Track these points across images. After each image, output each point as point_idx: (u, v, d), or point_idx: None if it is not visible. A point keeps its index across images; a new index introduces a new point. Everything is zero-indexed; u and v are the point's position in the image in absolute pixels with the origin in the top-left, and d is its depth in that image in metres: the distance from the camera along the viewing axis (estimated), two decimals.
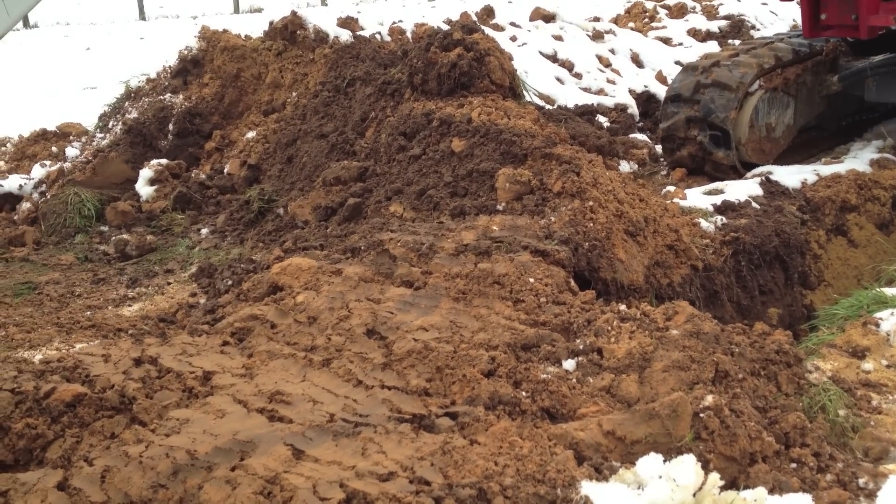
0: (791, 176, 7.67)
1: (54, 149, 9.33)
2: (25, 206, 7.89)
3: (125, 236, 6.91)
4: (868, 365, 4.11)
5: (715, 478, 2.74)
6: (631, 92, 11.16)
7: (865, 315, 4.59)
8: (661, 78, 11.73)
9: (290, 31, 8.99)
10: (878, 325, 4.43)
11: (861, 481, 3.12)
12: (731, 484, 2.93)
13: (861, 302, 4.83)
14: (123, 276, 6.26)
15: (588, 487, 2.64)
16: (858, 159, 8.29)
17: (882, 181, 7.80)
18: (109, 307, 5.59)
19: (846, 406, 3.63)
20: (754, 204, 7.03)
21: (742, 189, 7.29)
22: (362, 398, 3.32)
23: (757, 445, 3.04)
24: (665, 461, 2.77)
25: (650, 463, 2.76)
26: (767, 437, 3.10)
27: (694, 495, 2.69)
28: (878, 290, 4.89)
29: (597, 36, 12.51)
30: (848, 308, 4.85)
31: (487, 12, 12.58)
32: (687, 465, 2.72)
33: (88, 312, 5.45)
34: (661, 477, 2.69)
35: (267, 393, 3.32)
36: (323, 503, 2.57)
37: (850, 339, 4.34)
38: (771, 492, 2.84)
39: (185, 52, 9.30)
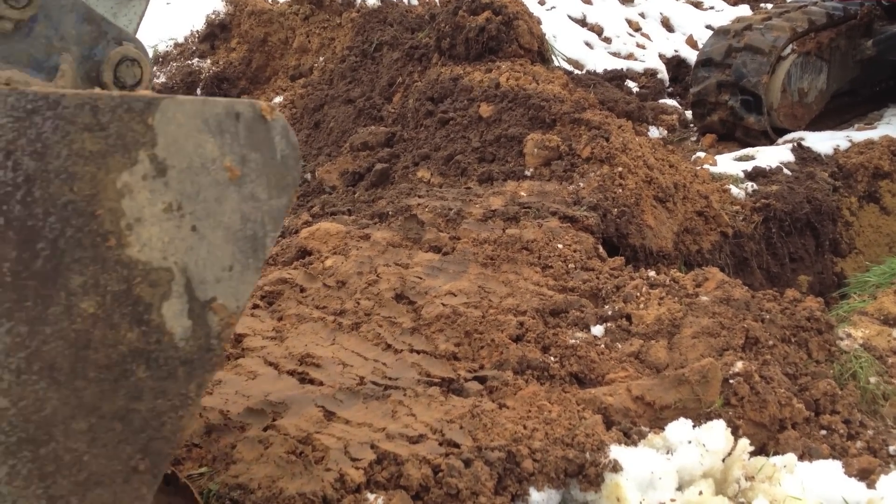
0: (823, 142, 7.58)
1: None
2: None
3: None
4: None
5: (744, 444, 2.74)
6: (661, 56, 11.03)
7: None
8: (691, 42, 11.58)
9: None
10: None
11: (891, 448, 3.11)
12: (760, 450, 2.92)
13: (893, 269, 4.78)
14: None
15: (617, 451, 2.65)
16: (892, 125, 8.16)
17: None
18: None
19: (877, 373, 3.60)
20: (785, 170, 6.96)
21: (773, 155, 7.20)
22: (391, 362, 3.34)
23: (787, 412, 3.03)
24: (694, 427, 2.77)
25: (679, 428, 2.76)
26: (797, 404, 3.09)
27: (723, 461, 2.69)
28: None
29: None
30: (880, 275, 4.80)
31: None
32: (717, 431, 2.71)
33: None
34: (690, 442, 2.69)
35: (297, 355, 3.35)
36: (354, 463, 2.59)
37: (882, 307, 4.30)
38: (800, 458, 2.84)
39: (213, 16, 9.29)
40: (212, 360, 1.62)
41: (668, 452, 2.70)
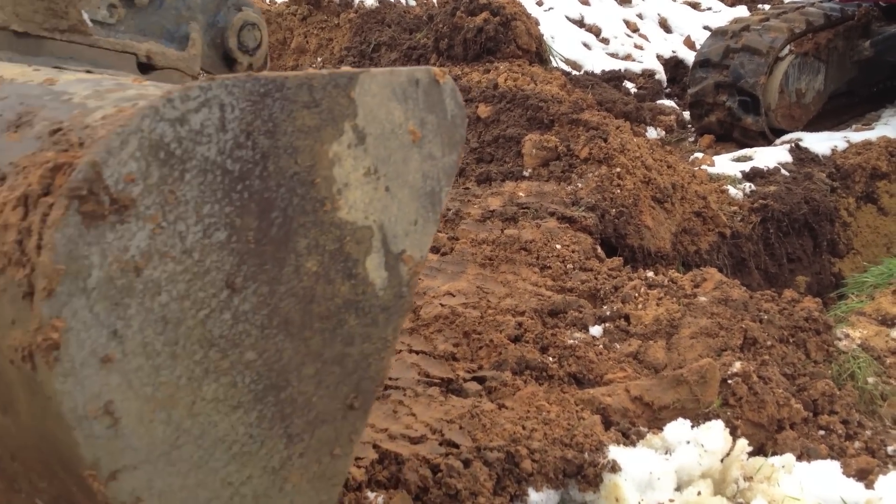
0: (821, 142, 7.59)
1: None
2: None
3: None
4: None
5: (743, 444, 2.75)
6: (659, 57, 11.05)
7: (895, 283, 4.55)
8: (689, 43, 11.59)
9: None
10: None
11: (890, 449, 3.11)
12: (758, 450, 2.93)
13: (891, 270, 4.79)
14: None
15: (615, 452, 2.65)
16: (890, 126, 8.17)
17: None
18: None
19: (875, 374, 3.61)
20: (783, 171, 6.97)
21: (771, 156, 7.21)
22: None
23: (785, 412, 3.04)
24: (693, 427, 2.78)
25: (678, 428, 2.76)
26: (796, 404, 3.09)
27: (721, 461, 2.70)
28: None
29: (624, 0, 12.38)
30: (877, 276, 4.81)
31: None
32: (715, 431, 2.72)
33: None
34: (688, 442, 2.70)
35: None
36: (356, 462, 2.59)
37: (880, 307, 4.31)
38: (799, 458, 2.85)
39: None
40: (403, 306, 1.80)
41: (666, 453, 2.71)
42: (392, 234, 1.74)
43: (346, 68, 1.73)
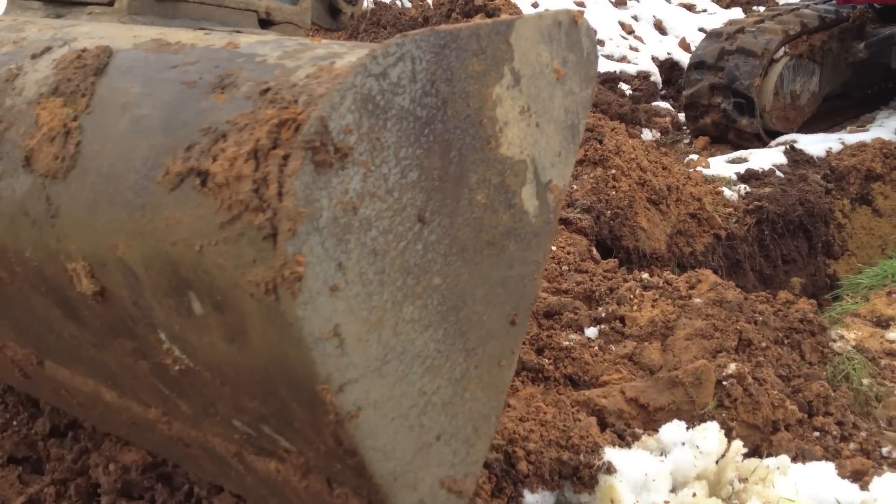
0: (816, 144, 7.60)
1: None
2: None
3: None
4: (892, 334, 4.09)
5: (738, 445, 2.74)
6: (654, 59, 11.07)
7: (890, 284, 4.56)
8: (684, 45, 11.62)
9: None
10: None
11: (884, 450, 3.12)
12: (753, 452, 2.93)
13: (886, 271, 4.80)
14: None
15: (611, 454, 2.65)
16: (884, 128, 8.20)
17: None
18: None
19: (870, 375, 3.62)
20: (778, 172, 6.98)
21: (766, 157, 7.23)
22: None
23: (780, 413, 3.04)
24: (688, 429, 2.78)
25: (673, 430, 2.76)
26: (790, 406, 3.10)
27: (717, 463, 2.70)
28: None
29: (619, 2, 12.40)
30: (872, 277, 4.82)
31: None
32: (710, 433, 2.72)
33: None
34: (684, 444, 2.70)
35: None
36: None
37: (875, 309, 4.32)
38: (794, 460, 2.85)
39: None
40: (551, 231, 2.01)
41: (661, 454, 2.70)
42: (541, 166, 1.94)
43: (504, 17, 1.93)
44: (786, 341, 3.62)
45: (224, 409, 1.92)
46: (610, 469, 2.58)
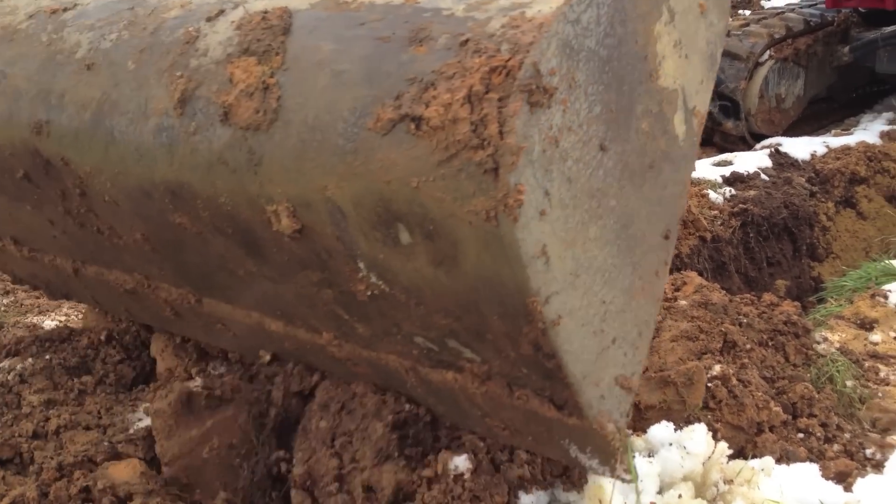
0: (800, 147, 7.65)
1: None
2: None
3: None
4: (876, 336, 4.12)
5: (723, 447, 2.76)
6: None
7: (874, 287, 4.59)
8: None
9: None
10: (886, 298, 4.44)
11: (868, 452, 3.14)
12: (738, 453, 2.94)
13: (869, 274, 4.82)
14: None
15: None
16: (868, 131, 8.25)
17: (892, 153, 7.77)
18: None
19: (854, 377, 3.64)
20: (763, 175, 7.01)
21: (751, 160, 7.26)
22: None
23: (764, 415, 3.05)
24: (676, 430, 2.79)
25: (661, 431, 2.77)
26: (775, 407, 3.11)
27: (703, 464, 2.71)
28: (886, 262, 4.89)
29: None
30: (856, 280, 4.85)
31: None
32: (698, 434, 2.73)
33: None
34: (671, 444, 2.71)
35: None
36: None
37: (859, 311, 4.35)
38: (778, 461, 2.86)
39: None
40: (693, 153, 2.23)
41: (649, 455, 2.71)
42: (688, 94, 2.14)
43: None
44: (770, 343, 3.64)
45: (409, 327, 2.14)
46: None
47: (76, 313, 4.79)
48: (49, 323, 4.56)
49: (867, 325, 4.19)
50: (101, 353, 3.54)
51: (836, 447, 3.12)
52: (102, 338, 3.62)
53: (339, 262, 2.08)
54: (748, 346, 3.50)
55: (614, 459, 2.13)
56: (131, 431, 2.90)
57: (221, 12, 2.33)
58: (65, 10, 2.68)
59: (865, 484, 2.77)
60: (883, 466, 2.99)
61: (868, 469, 3.01)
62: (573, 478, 2.57)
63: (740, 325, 3.63)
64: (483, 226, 1.71)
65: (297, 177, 2.01)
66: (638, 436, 2.81)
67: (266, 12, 2.19)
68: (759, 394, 3.14)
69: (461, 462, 2.53)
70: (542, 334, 1.83)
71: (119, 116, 2.35)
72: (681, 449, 2.69)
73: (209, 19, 2.33)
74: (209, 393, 2.90)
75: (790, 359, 3.62)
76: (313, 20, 2.14)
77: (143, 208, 2.45)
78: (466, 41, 1.80)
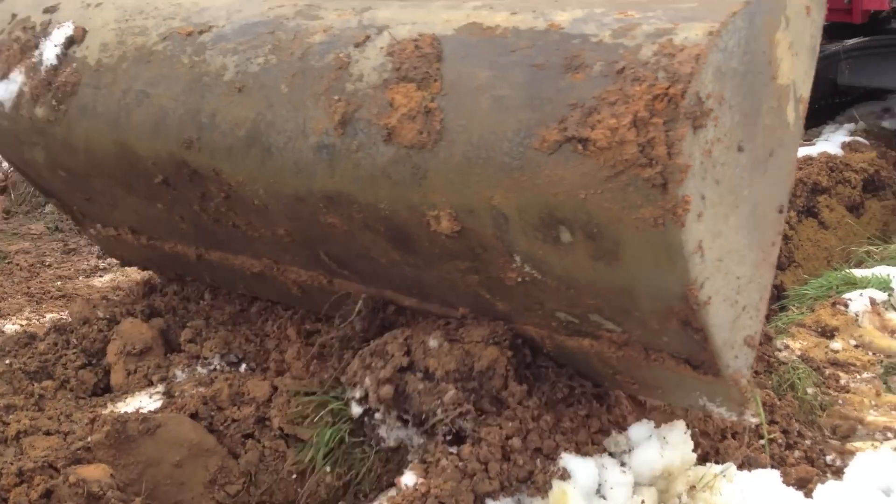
0: None
1: None
2: None
3: None
4: (836, 344, 4.17)
5: (692, 457, 2.77)
6: None
7: (835, 296, 4.65)
8: None
9: None
10: (846, 306, 4.50)
11: (828, 458, 3.18)
12: (702, 459, 2.96)
13: (830, 283, 4.88)
14: (94, 246, 6.20)
15: (567, 459, 2.65)
16: (830, 142, 8.34)
17: (853, 164, 7.86)
18: (80, 278, 5.56)
19: (815, 384, 3.69)
20: None
21: None
22: None
23: (728, 421, 3.07)
24: (655, 427, 2.79)
25: (641, 428, 2.77)
26: None
27: (669, 471, 2.72)
28: (847, 271, 4.96)
29: None
30: (817, 289, 4.91)
31: None
32: (678, 427, 2.75)
33: (59, 283, 5.41)
34: (651, 437, 2.72)
35: None
36: None
37: (820, 319, 4.40)
38: (740, 467, 2.89)
39: None
40: (800, 135, 2.52)
41: (628, 451, 2.71)
42: (797, 85, 2.41)
43: None
44: None
45: (553, 305, 2.49)
46: (564, 475, 2.59)
47: (37, 317, 4.73)
48: (10, 327, 4.50)
49: (828, 333, 4.25)
50: (62, 358, 3.50)
51: (797, 454, 3.16)
52: (63, 342, 3.58)
53: (494, 255, 2.41)
54: None
55: (744, 407, 2.50)
56: (90, 440, 2.86)
57: (367, 38, 2.60)
58: (200, 32, 2.99)
59: (826, 490, 2.81)
60: (843, 473, 3.03)
61: (828, 475, 3.05)
62: (538, 483, 2.57)
63: None
64: (650, 230, 2.03)
65: (461, 188, 2.32)
66: (618, 433, 2.80)
67: (416, 40, 2.48)
68: None
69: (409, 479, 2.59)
70: (692, 313, 2.17)
71: (276, 135, 2.67)
72: (661, 440, 2.70)
73: (357, 45, 2.61)
74: (144, 417, 2.90)
75: (752, 366, 3.65)
76: (463, 47, 2.42)
77: (294, 211, 2.79)
78: (622, 69, 2.07)
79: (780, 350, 3.87)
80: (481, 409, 2.70)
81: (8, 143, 3.67)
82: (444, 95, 2.37)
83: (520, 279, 2.43)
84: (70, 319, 3.85)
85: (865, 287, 4.70)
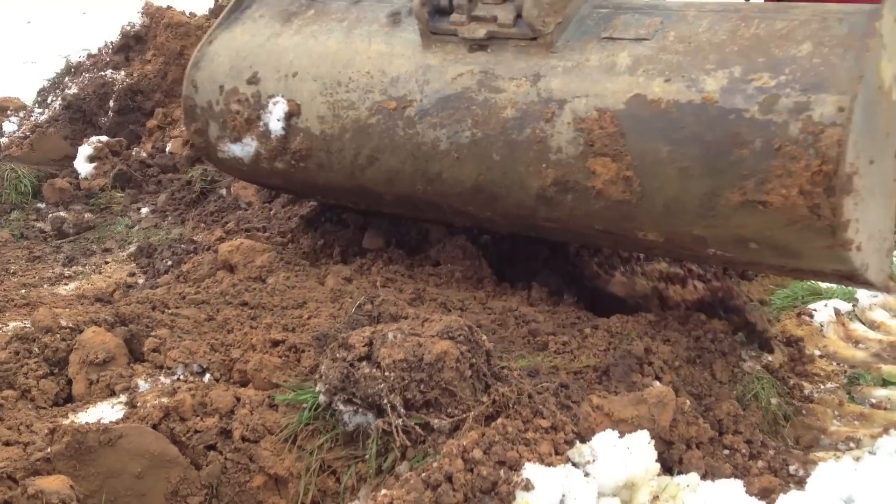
0: None
1: None
2: None
3: (62, 214, 6.77)
4: (801, 355, 4.20)
5: (653, 465, 2.78)
6: None
7: (800, 306, 4.69)
8: None
9: None
10: (811, 316, 4.54)
11: (791, 468, 3.19)
12: (665, 470, 2.96)
13: (796, 293, 4.93)
14: (60, 254, 6.13)
15: (531, 470, 2.64)
16: None
17: None
18: (45, 286, 5.48)
19: (778, 395, 3.71)
20: None
21: None
22: None
23: (693, 431, 3.08)
24: (620, 437, 2.79)
25: (605, 437, 2.77)
26: (703, 424, 3.14)
27: (633, 481, 2.72)
28: (812, 281, 5.00)
29: None
30: (783, 299, 4.95)
31: None
32: (641, 436, 2.75)
33: (23, 291, 5.33)
34: (615, 446, 2.72)
35: None
36: None
37: (785, 329, 4.44)
38: (703, 477, 2.89)
39: (128, 27, 9.09)
40: None
41: (593, 460, 2.71)
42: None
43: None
44: (698, 361, 3.69)
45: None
46: (528, 486, 2.59)
47: (0, 326, 4.66)
48: None
49: (793, 343, 4.28)
50: (23, 368, 3.45)
51: (760, 464, 3.17)
52: (25, 350, 3.53)
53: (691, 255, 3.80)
54: (676, 364, 3.53)
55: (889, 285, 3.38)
56: (50, 451, 2.82)
57: (553, 115, 3.37)
58: (403, 107, 3.78)
59: (788, 500, 2.81)
60: (805, 483, 3.04)
61: (791, 485, 3.07)
62: (501, 494, 2.57)
63: (668, 341, 3.67)
64: (823, 252, 3.02)
65: (669, 226, 3.28)
66: (583, 442, 2.80)
67: (598, 119, 3.26)
68: (688, 411, 3.17)
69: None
70: (856, 274, 3.17)
71: (498, 188, 3.56)
72: (625, 450, 2.70)
73: (546, 121, 3.40)
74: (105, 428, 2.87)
75: (717, 376, 3.67)
76: (639, 124, 3.20)
77: (515, 222, 3.82)
78: (779, 148, 2.91)
79: (744, 360, 3.89)
80: (431, 401, 2.82)
81: (245, 179, 5.19)
82: (636, 166, 3.13)
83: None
84: (33, 328, 3.79)
85: (830, 298, 4.75)
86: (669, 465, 2.96)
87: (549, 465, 2.67)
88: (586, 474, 2.71)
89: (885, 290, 3.47)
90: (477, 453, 2.62)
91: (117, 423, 3.00)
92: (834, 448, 3.48)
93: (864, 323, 4.55)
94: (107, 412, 3.15)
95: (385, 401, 2.78)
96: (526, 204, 3.52)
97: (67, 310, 4.04)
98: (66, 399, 3.42)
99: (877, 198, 3.10)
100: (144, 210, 6.92)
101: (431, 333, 2.88)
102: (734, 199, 2.98)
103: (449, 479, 2.56)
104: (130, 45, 9.03)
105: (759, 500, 2.81)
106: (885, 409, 3.78)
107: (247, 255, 4.57)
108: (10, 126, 8.65)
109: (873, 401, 3.86)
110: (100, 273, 5.72)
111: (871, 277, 3.17)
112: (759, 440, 3.28)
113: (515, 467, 2.64)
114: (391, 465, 2.81)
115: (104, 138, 7.90)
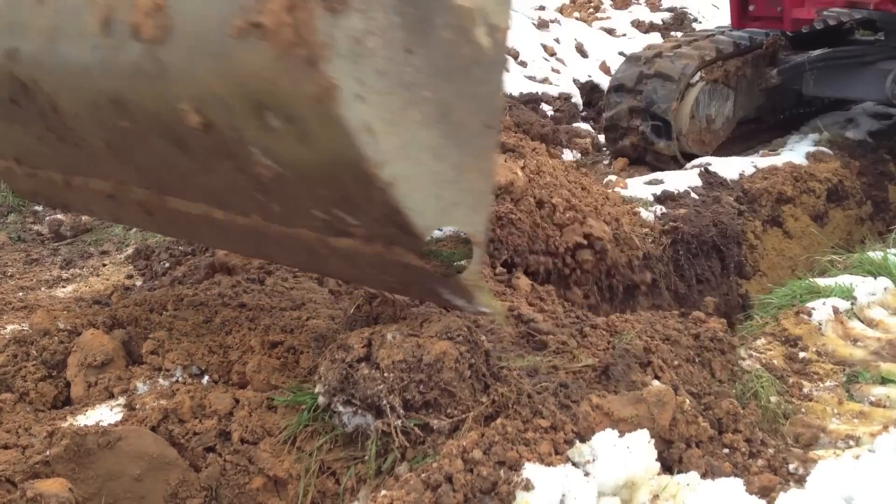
0: (729, 167, 7.79)
1: None
2: None
3: (59, 216, 6.77)
4: (800, 353, 4.20)
5: (654, 464, 2.78)
6: (575, 81, 11.24)
7: (798, 304, 4.68)
8: (604, 68, 11.82)
9: None
10: (810, 315, 4.53)
11: (791, 467, 3.18)
12: (666, 469, 2.96)
13: (794, 292, 4.92)
14: (57, 256, 6.13)
15: (531, 470, 2.64)
16: (795, 152, 8.45)
17: (817, 174, 7.96)
18: (42, 288, 5.48)
19: (778, 393, 3.71)
20: (693, 194, 7.13)
21: (681, 179, 7.38)
22: None
23: (692, 430, 3.08)
24: (620, 436, 2.79)
25: (605, 437, 2.77)
26: (703, 423, 3.14)
27: (633, 480, 2.72)
28: (810, 280, 5.00)
29: (542, 25, 12.56)
30: (781, 297, 4.94)
31: None
32: (641, 435, 2.75)
33: (21, 293, 5.32)
34: (615, 446, 2.71)
35: None
36: None
37: (783, 328, 4.43)
38: (703, 476, 2.89)
39: None
40: (503, 61, 2.66)
41: (593, 460, 2.71)
42: (487, 13, 2.49)
43: None
44: (697, 359, 3.69)
45: (306, 202, 2.60)
46: (528, 486, 2.59)
47: None
48: None
49: (791, 342, 4.28)
50: (21, 370, 3.45)
51: (760, 462, 3.16)
52: (23, 353, 3.52)
53: (240, 148, 2.49)
54: (675, 363, 3.53)
55: (471, 297, 2.70)
56: (49, 454, 2.82)
57: None
58: None
59: (788, 498, 2.81)
60: (805, 481, 3.04)
61: (791, 484, 3.06)
62: (501, 495, 2.56)
63: (668, 340, 3.67)
64: (316, 107, 2.17)
65: (192, 79, 2.45)
66: (583, 441, 2.80)
67: None
68: (688, 409, 3.17)
69: None
70: (383, 194, 2.30)
71: (66, 41, 2.83)
72: (625, 449, 2.70)
73: None
74: (104, 430, 2.87)
75: (716, 375, 3.67)
76: None
77: (97, 118, 2.92)
78: None
79: (743, 359, 3.90)
80: (430, 401, 2.80)
81: None
82: None
83: (269, 174, 2.53)
84: (30, 331, 3.79)
85: (829, 296, 4.73)
86: (669, 464, 2.96)
87: (548, 464, 2.67)
88: (586, 474, 2.71)
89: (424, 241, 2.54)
90: (477, 454, 2.62)
91: (116, 425, 3.00)
92: (833, 446, 3.47)
93: (862, 321, 4.54)
94: (105, 414, 3.15)
95: (384, 401, 2.78)
96: (85, 66, 2.86)
97: (65, 312, 4.03)
98: (65, 402, 3.41)
99: (431, 130, 2.43)
100: None
101: (430, 334, 2.89)
102: (237, 24, 2.27)
103: (449, 479, 2.56)
104: None
105: (759, 498, 2.80)
106: (885, 406, 3.77)
107: (245, 257, 4.56)
108: None
109: (872, 399, 3.85)
110: (97, 275, 5.71)
111: (417, 224, 2.43)
112: (759, 439, 3.27)
113: (515, 467, 2.64)
114: (391, 466, 2.81)
115: None
